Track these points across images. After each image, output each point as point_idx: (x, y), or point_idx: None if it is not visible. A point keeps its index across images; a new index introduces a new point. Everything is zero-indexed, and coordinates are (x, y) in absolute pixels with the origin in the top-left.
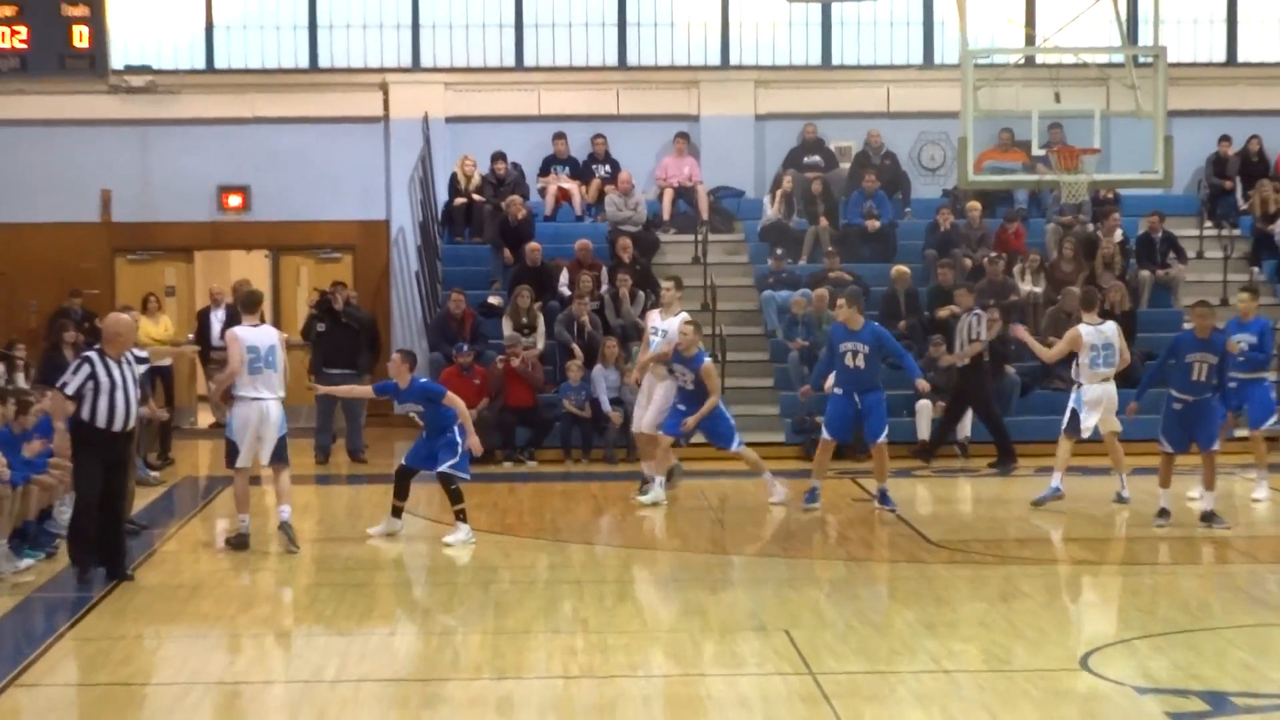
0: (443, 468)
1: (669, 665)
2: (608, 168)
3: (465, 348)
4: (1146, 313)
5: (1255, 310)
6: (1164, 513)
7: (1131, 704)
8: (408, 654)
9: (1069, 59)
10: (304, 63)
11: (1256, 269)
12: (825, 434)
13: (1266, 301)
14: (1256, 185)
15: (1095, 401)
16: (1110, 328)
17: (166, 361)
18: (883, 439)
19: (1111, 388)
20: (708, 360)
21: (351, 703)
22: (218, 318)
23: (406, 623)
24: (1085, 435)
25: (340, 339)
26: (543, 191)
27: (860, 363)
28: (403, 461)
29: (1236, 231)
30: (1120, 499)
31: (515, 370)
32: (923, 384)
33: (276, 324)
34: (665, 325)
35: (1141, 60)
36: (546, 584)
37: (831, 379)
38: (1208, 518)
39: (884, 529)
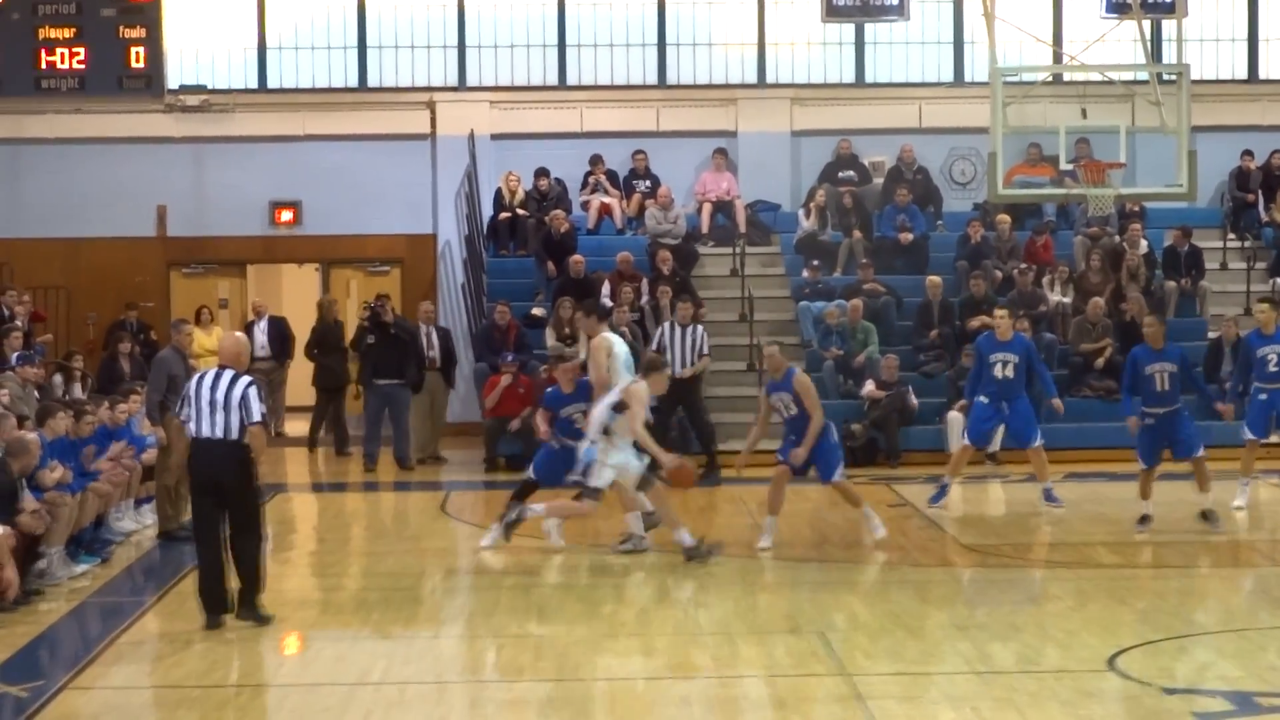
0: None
1: (707, 667)
2: (648, 183)
3: (510, 358)
4: (1171, 323)
5: (1276, 320)
6: (1145, 519)
7: (1157, 704)
8: (452, 657)
9: (1095, 77)
10: (353, 82)
11: (1278, 280)
12: (965, 439)
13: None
14: (1278, 198)
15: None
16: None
17: None
18: (1038, 442)
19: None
20: (798, 372)
21: (397, 705)
22: (260, 329)
23: (450, 626)
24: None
25: (389, 350)
26: (585, 205)
27: (1010, 373)
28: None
29: (1259, 243)
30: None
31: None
32: (1057, 403)
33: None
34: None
35: (1166, 78)
36: (587, 588)
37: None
38: (1207, 516)
39: (920, 533)
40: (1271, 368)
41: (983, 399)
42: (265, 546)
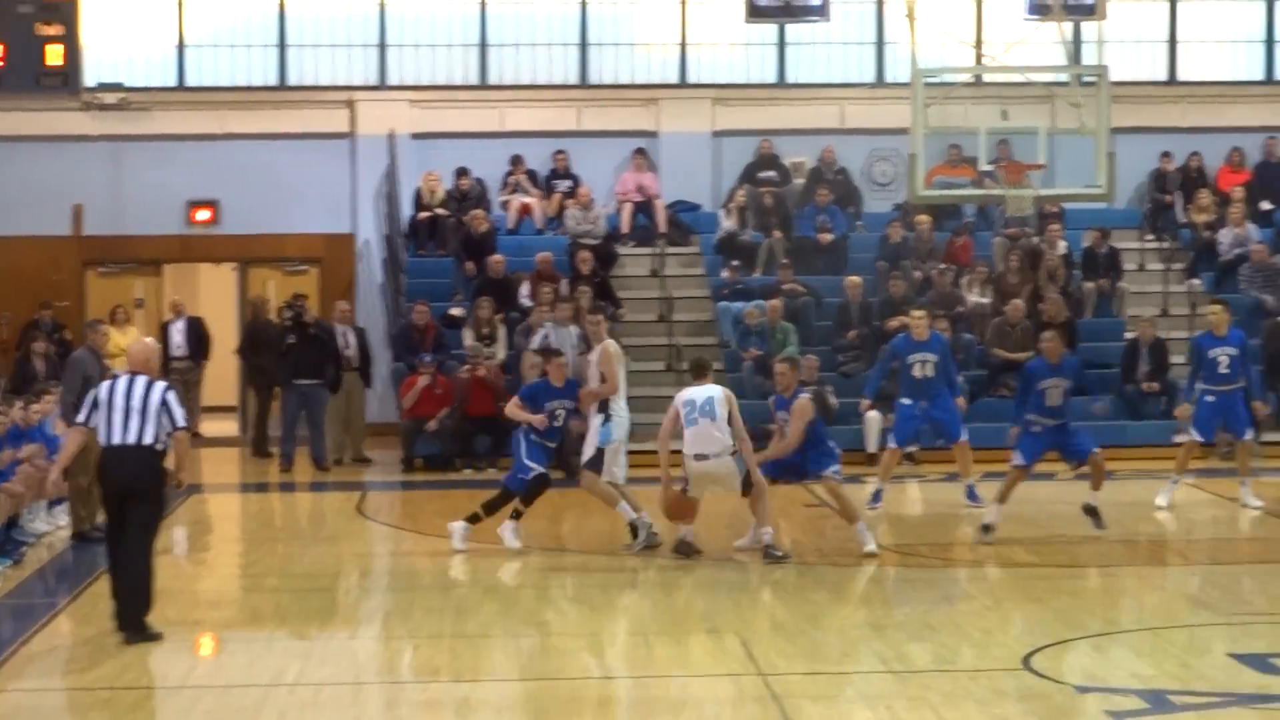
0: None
1: (624, 668)
2: (568, 182)
3: (428, 358)
4: (1089, 323)
5: (1228, 321)
6: (988, 527)
7: (1071, 702)
8: (368, 658)
9: (1016, 78)
10: (273, 80)
11: (1196, 280)
12: (892, 442)
13: (1203, 312)
14: (1195, 198)
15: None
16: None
17: None
18: (964, 437)
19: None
20: (803, 396)
21: (311, 706)
22: (178, 329)
23: (367, 626)
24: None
25: (308, 350)
26: (505, 205)
27: (929, 372)
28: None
29: (1177, 245)
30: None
31: (482, 379)
32: (961, 402)
33: (242, 335)
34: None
35: (1086, 79)
36: (505, 589)
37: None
38: (1090, 511)
39: (837, 533)
40: (1222, 369)
41: (905, 400)
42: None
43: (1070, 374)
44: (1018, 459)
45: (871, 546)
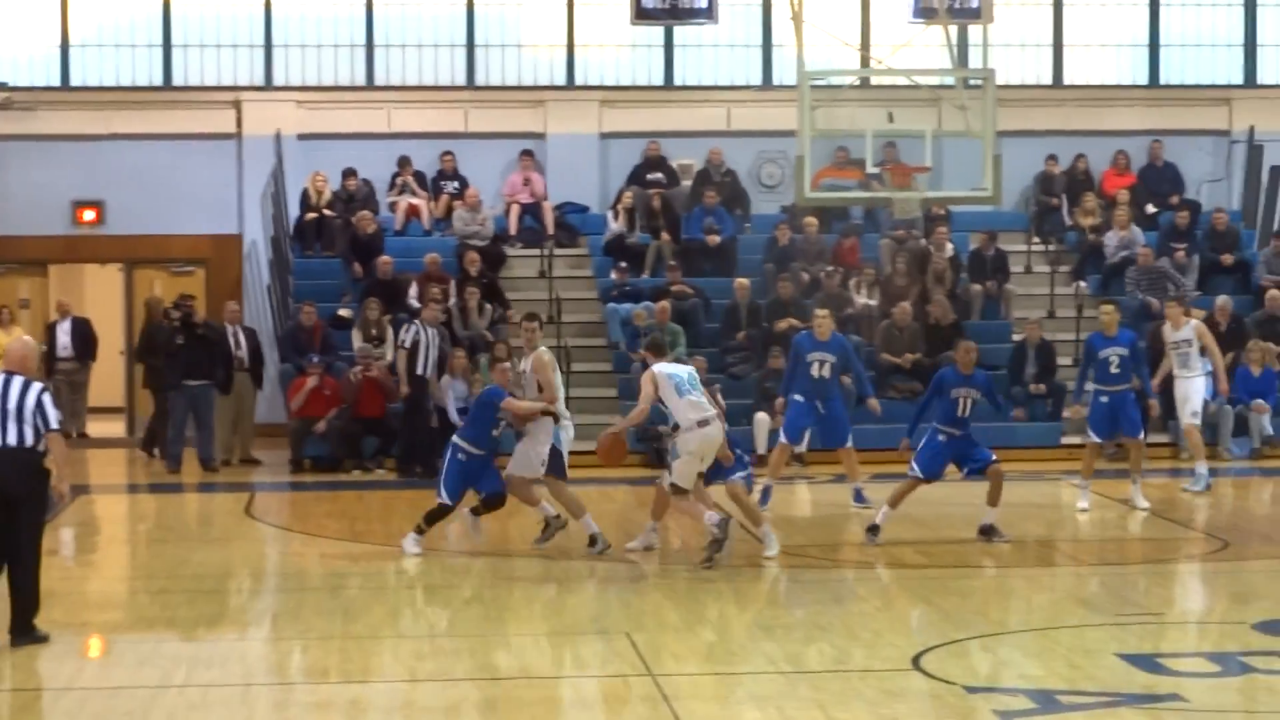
0: None
1: (513, 668)
2: (456, 184)
3: (315, 359)
4: (976, 325)
5: (1118, 322)
6: (875, 529)
7: (961, 702)
8: (257, 659)
9: (902, 81)
10: (158, 80)
11: (1082, 283)
12: (784, 438)
13: (1089, 314)
14: (1081, 201)
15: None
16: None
17: None
18: (849, 443)
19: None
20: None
21: (200, 708)
22: (64, 330)
23: (255, 628)
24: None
25: (197, 351)
26: (392, 206)
27: (826, 372)
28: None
29: (1063, 247)
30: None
31: (374, 380)
32: (874, 403)
33: (130, 337)
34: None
35: (972, 83)
36: (394, 590)
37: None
38: (987, 531)
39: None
40: (1113, 369)
41: (798, 397)
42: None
43: (980, 386)
44: (916, 471)
45: (773, 551)
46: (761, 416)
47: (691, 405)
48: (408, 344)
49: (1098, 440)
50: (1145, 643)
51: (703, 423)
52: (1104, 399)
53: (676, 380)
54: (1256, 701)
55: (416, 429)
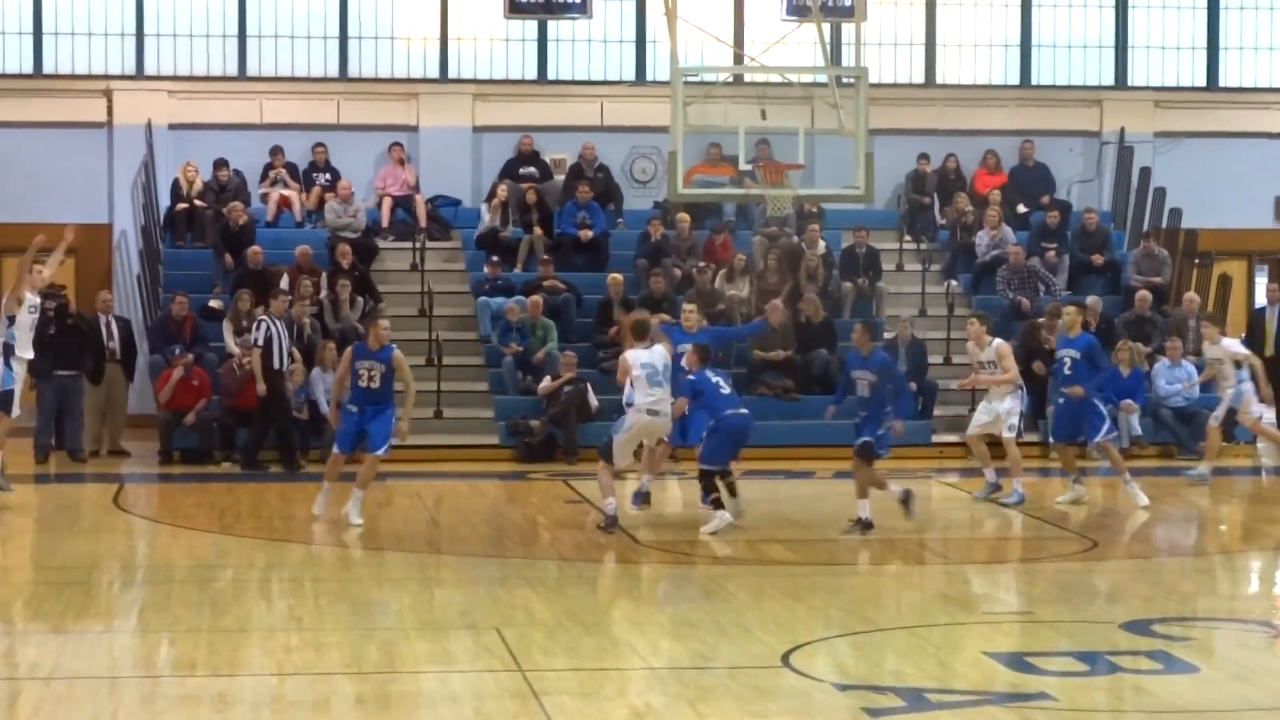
0: None
1: (382, 663)
2: (328, 176)
3: (179, 350)
4: (848, 323)
5: (1080, 324)
6: (865, 524)
7: (830, 700)
8: (124, 651)
9: (775, 78)
10: (28, 68)
11: (954, 282)
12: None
13: (960, 313)
14: (953, 200)
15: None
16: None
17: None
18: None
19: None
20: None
21: (65, 700)
22: None
23: (123, 620)
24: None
25: (68, 341)
26: (264, 198)
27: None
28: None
29: (935, 246)
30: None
31: (252, 372)
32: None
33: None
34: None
35: (844, 81)
36: (263, 582)
37: None
38: (865, 526)
39: (597, 529)
40: (1066, 370)
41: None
42: None
43: (875, 368)
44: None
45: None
46: None
47: (654, 398)
48: (260, 341)
49: (1061, 443)
50: (1014, 641)
51: (652, 412)
52: (1061, 399)
53: (649, 371)
54: (1124, 700)
55: (273, 421)
